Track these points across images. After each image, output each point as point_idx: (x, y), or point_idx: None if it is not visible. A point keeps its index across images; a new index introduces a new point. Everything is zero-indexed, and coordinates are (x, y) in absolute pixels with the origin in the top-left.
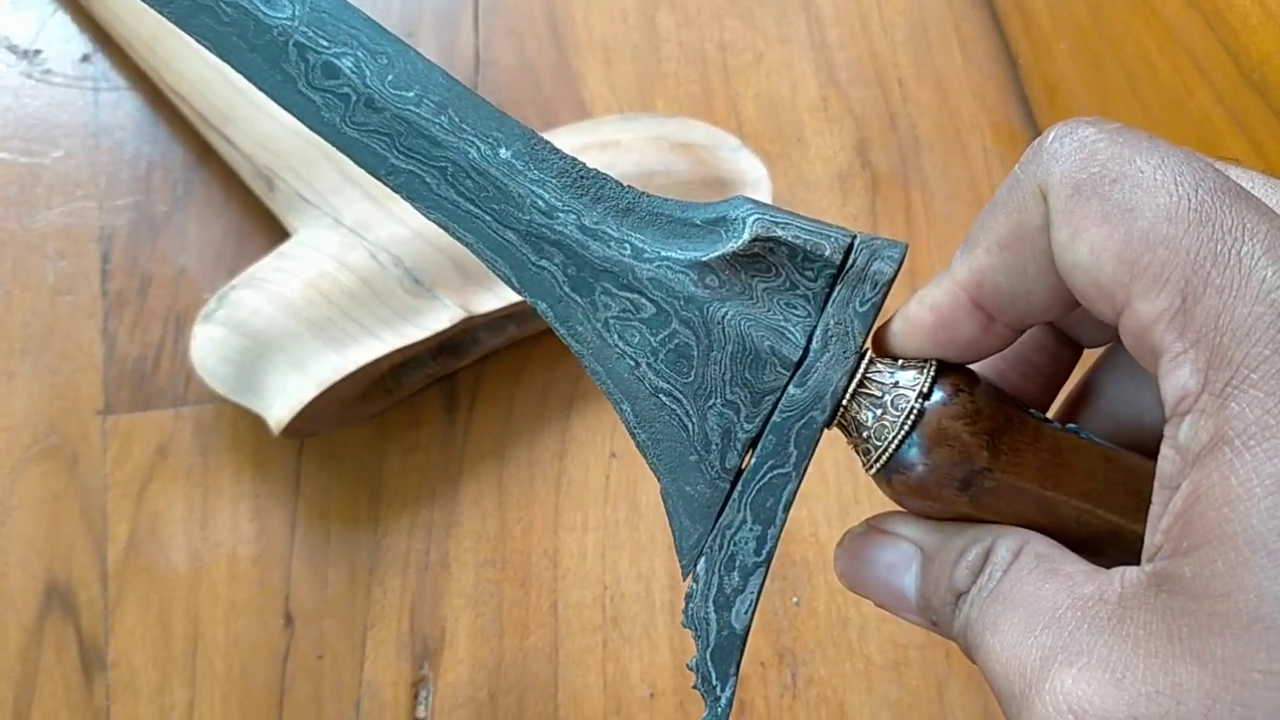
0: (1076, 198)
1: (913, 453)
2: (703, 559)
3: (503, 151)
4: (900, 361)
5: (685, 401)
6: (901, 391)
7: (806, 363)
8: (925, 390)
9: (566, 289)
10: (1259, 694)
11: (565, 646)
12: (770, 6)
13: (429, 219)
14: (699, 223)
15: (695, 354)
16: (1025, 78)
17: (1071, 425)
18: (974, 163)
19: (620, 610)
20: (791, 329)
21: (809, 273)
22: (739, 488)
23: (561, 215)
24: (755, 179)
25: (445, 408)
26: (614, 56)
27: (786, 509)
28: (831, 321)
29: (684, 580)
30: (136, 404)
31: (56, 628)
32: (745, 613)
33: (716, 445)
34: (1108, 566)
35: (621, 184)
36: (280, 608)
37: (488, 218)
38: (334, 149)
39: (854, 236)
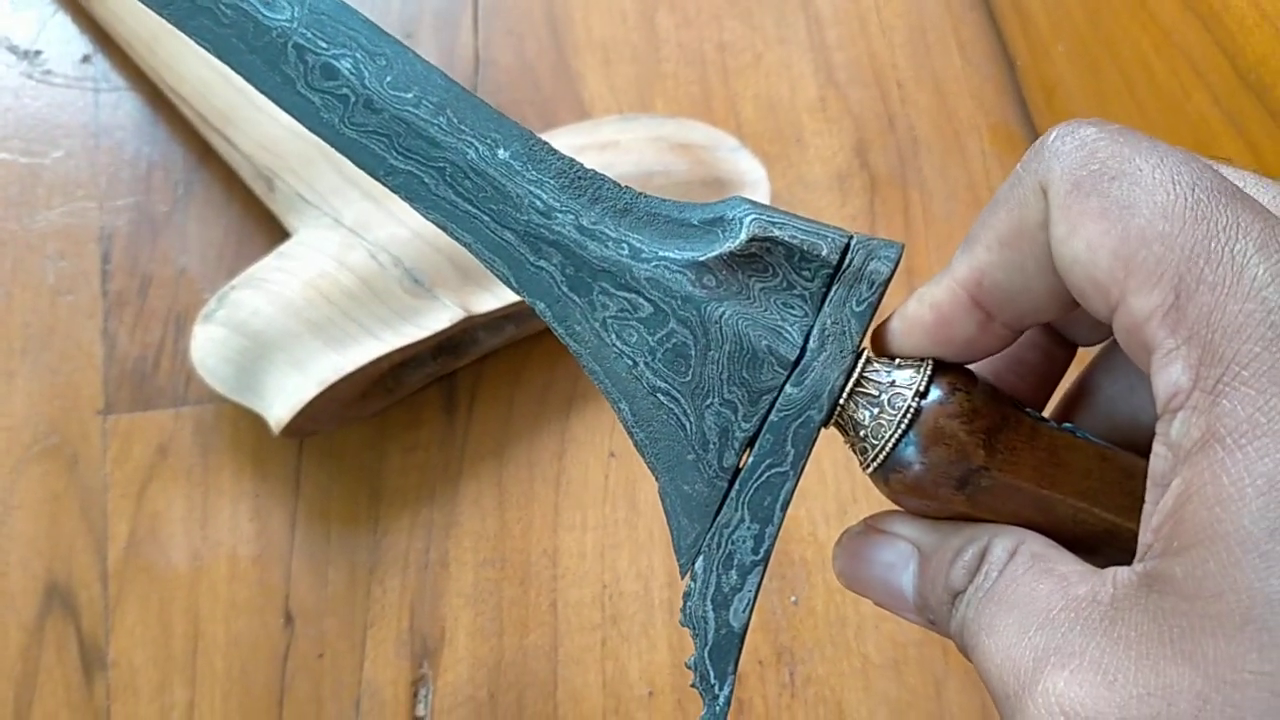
0: (1076, 193)
1: (909, 451)
2: (701, 557)
3: (501, 152)
4: (897, 361)
5: (683, 400)
6: (898, 390)
7: (804, 362)
8: (922, 389)
9: (564, 289)
10: (1250, 695)
11: (564, 645)
12: (769, 7)
13: (427, 219)
14: (696, 223)
15: (693, 353)
16: (1023, 79)
17: (1067, 424)
18: (972, 164)
19: (619, 609)
20: (789, 328)
21: (806, 272)
22: (736, 486)
23: (559, 215)
24: (754, 179)
25: (445, 407)
26: (613, 57)
27: (784, 507)
28: (828, 321)
29: (682, 579)
30: (137, 404)
31: (57, 627)
32: (743, 611)
33: (714, 444)
34: (1104, 565)
35: (619, 184)
36: (280, 607)
37: (486, 218)
38: (333, 150)
39: (850, 237)
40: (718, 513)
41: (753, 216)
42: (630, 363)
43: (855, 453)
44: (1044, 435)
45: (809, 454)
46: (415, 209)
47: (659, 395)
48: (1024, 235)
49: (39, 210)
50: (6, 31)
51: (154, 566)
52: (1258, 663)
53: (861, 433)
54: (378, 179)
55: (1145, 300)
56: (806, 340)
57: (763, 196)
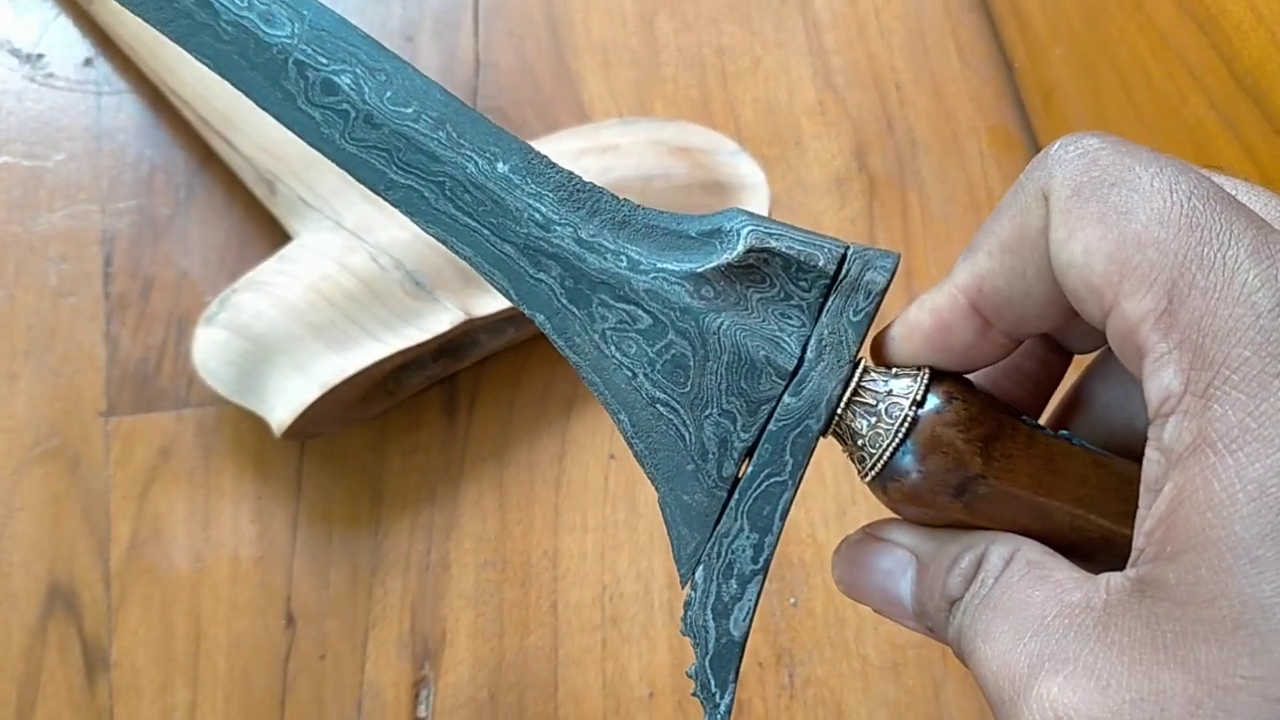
0: (1076, 199)
1: (907, 460)
2: (701, 567)
3: (500, 166)
4: (894, 370)
5: (682, 411)
6: (895, 399)
7: (801, 372)
8: (919, 398)
9: (564, 301)
10: (1242, 699)
11: (565, 646)
12: (768, 11)
13: (427, 232)
14: (694, 235)
15: (691, 364)
16: (1021, 82)
17: (1063, 431)
18: (970, 166)
19: (619, 610)
20: (786, 339)
21: (803, 283)
22: (736, 496)
23: (558, 228)
24: (753, 183)
25: (446, 409)
26: (613, 60)
27: (783, 517)
28: (826, 331)
29: (682, 588)
30: (139, 406)
31: (59, 628)
32: (743, 620)
33: (713, 454)
34: (1100, 571)
35: (617, 197)
36: (282, 608)
37: (486, 231)
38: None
39: (847, 247)
40: (717, 522)
41: (750, 228)
42: (629, 374)
43: (853, 461)
44: (1040, 443)
45: (807, 463)
46: (415, 222)
47: (658, 406)
48: (1025, 241)
49: (41, 213)
50: (9, 35)
51: (156, 568)
52: (1249, 667)
53: (859, 441)
54: (378, 193)
55: (1138, 304)
56: (804, 350)
57: (762, 200)
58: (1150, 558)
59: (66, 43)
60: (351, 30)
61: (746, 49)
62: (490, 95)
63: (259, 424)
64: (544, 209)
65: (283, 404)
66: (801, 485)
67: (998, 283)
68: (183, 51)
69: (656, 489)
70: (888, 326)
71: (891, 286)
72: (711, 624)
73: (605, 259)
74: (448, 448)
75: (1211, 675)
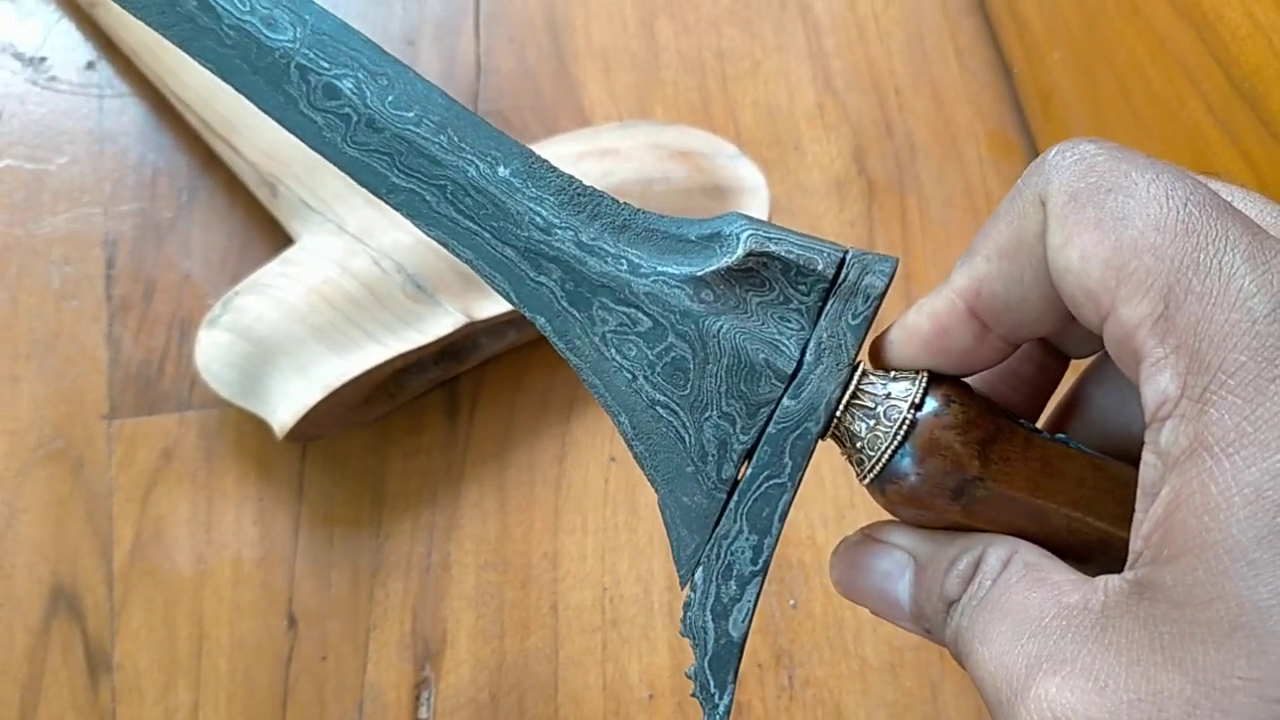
0: (1073, 204)
1: (905, 462)
2: (700, 568)
3: (501, 170)
4: (893, 374)
5: (682, 413)
6: (894, 402)
7: (800, 375)
8: (917, 401)
9: (564, 304)
10: (1238, 700)
11: (565, 648)
12: (768, 15)
13: (429, 236)
14: (694, 239)
15: (691, 367)
16: (1020, 87)
17: (1060, 435)
18: (969, 170)
19: (619, 612)
20: (786, 342)
21: (802, 287)
22: (735, 498)
23: (559, 232)
24: (753, 186)
25: (447, 412)
26: (613, 64)
27: (782, 519)
28: (825, 334)
29: (681, 590)
30: (141, 408)
31: (62, 630)
32: (743, 621)
33: (713, 456)
34: (1098, 574)
35: (618, 201)
36: (284, 610)
37: (487, 234)
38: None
39: (846, 251)
40: (716, 524)
41: (750, 232)
42: (629, 376)
43: (852, 464)
44: (1038, 445)
45: (806, 465)
46: (417, 226)
47: (658, 408)
48: (1022, 246)
49: (44, 216)
50: (11, 38)
51: (159, 570)
52: (1246, 669)
53: (858, 444)
54: (380, 197)
55: (1135, 309)
56: (803, 353)
57: (761, 203)
58: (1148, 560)
59: (69, 46)
60: (354, 35)
61: (746, 52)
62: (491, 100)
63: (261, 426)
64: (545, 213)
65: (285, 406)
66: (800, 488)
67: (995, 287)
68: (185, 56)
69: (656, 490)
70: (886, 330)
71: (890, 290)
72: (711, 625)
73: (606, 262)
74: (449, 450)
75: (1209, 676)
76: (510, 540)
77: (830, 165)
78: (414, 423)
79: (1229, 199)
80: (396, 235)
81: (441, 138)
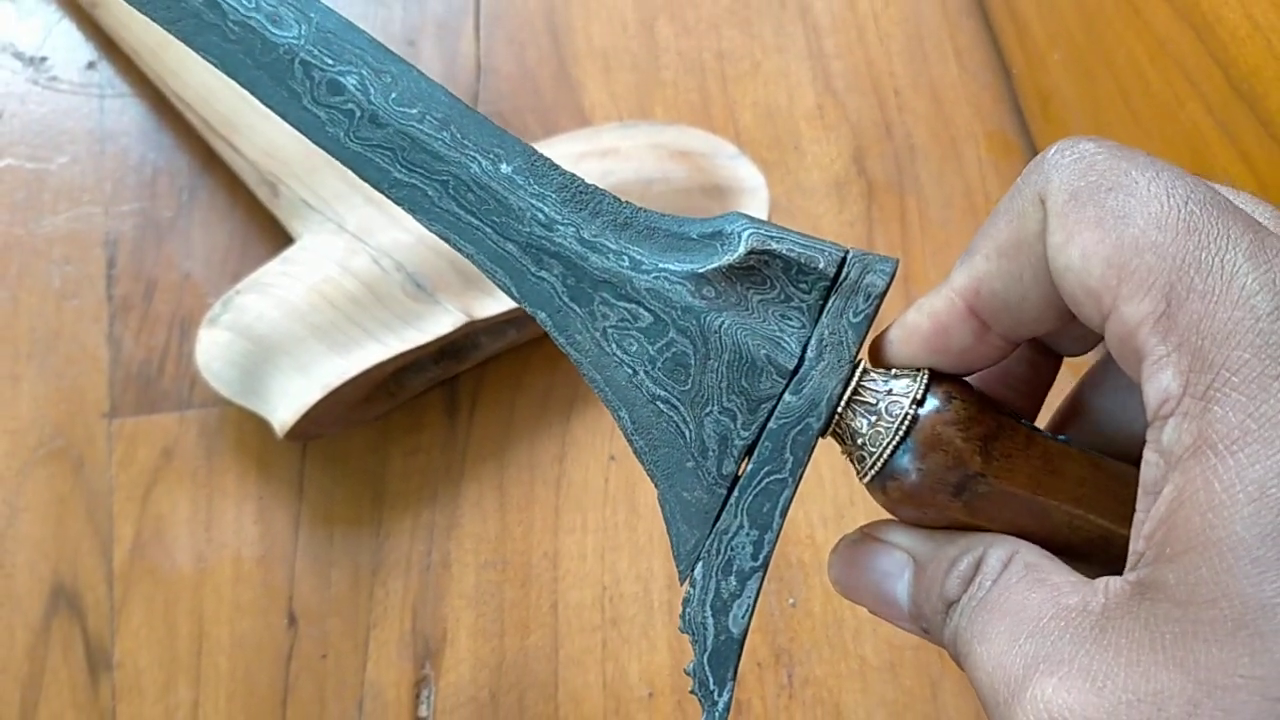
0: (1073, 203)
1: (906, 459)
2: (700, 564)
3: (503, 166)
4: (894, 371)
5: (682, 409)
6: (895, 399)
7: (802, 371)
8: (919, 397)
9: (565, 299)
10: (1241, 699)
11: (565, 646)
12: (768, 16)
13: (431, 231)
14: (695, 237)
15: (692, 362)
16: (1019, 88)
17: (1061, 436)
18: (968, 171)
19: (619, 611)
20: (787, 339)
21: (803, 285)
22: (736, 493)
23: (561, 228)
24: (753, 186)
25: (447, 411)
26: (613, 65)
27: (783, 514)
28: (826, 332)
29: (681, 585)
30: (142, 407)
31: (63, 628)
32: (742, 617)
33: (713, 452)
34: (1098, 573)
35: (619, 199)
36: (284, 608)
37: (488, 230)
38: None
39: (847, 251)
40: (717, 519)
41: (751, 231)
42: (630, 371)
43: (853, 462)
44: (1039, 443)
45: (807, 461)
46: (419, 221)
47: (659, 403)
48: (1022, 245)
49: (44, 215)
50: (12, 38)
51: (159, 568)
52: (1249, 667)
53: (859, 441)
54: (382, 192)
55: (1137, 308)
56: (804, 350)
57: (761, 203)
58: (1150, 560)
59: (70, 46)
60: (357, 33)
61: (746, 53)
62: (491, 100)
63: (261, 425)
64: (547, 209)
65: (285, 405)
66: (800, 486)
67: (995, 286)
68: (186, 55)
69: (656, 486)
70: (886, 329)
71: (890, 291)
72: (710, 621)
73: (607, 258)
74: (449, 449)
75: (1211, 675)
76: (510, 539)
77: (830, 166)
78: (414, 421)
79: (1233, 200)
80: (396, 234)
81: (444, 134)
